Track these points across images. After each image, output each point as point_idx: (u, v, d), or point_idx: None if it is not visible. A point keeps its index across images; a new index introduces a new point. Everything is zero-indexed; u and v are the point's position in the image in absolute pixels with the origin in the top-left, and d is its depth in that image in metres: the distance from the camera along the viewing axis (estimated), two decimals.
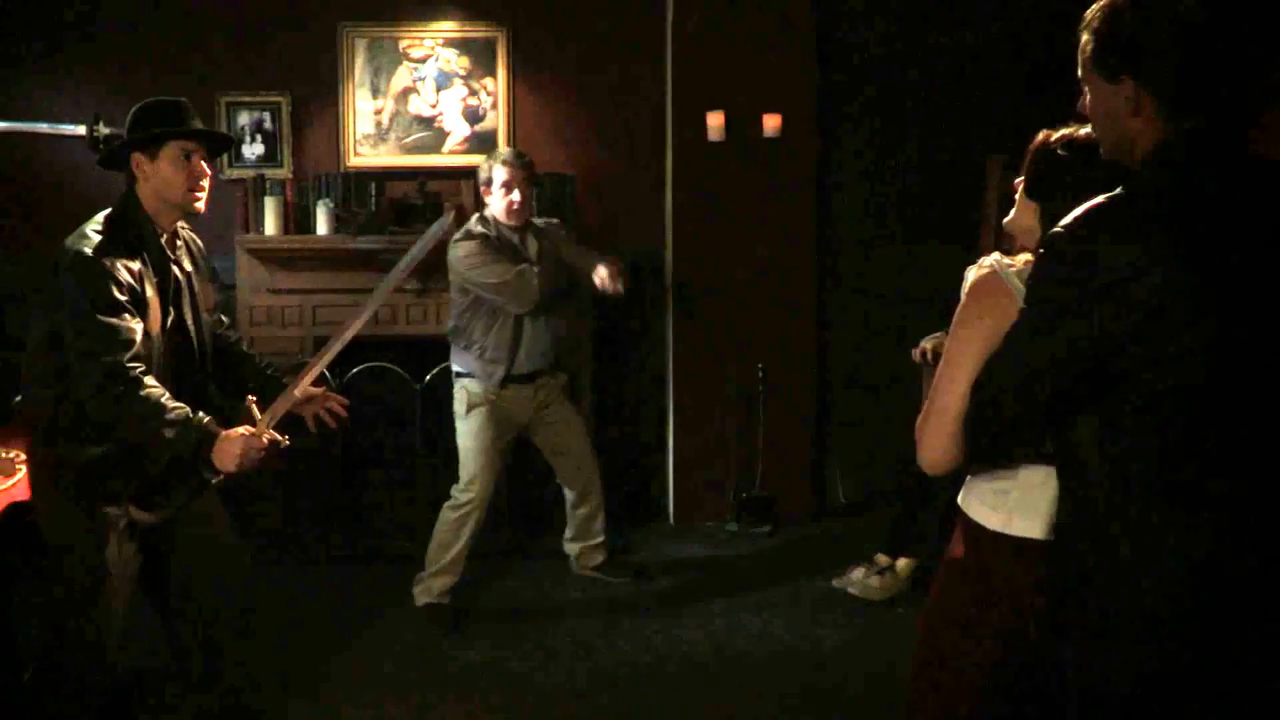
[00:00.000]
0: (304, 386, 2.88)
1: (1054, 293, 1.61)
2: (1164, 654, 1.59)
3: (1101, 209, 1.60)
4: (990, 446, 1.86)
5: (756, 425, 5.44)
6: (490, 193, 4.21)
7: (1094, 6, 1.70)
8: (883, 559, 4.48)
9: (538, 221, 4.44)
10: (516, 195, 4.16)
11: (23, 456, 3.08)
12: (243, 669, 2.86)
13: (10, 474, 3.26)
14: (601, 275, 4.18)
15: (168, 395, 2.58)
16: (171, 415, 2.55)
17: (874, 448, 5.65)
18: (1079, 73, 1.73)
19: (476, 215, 4.29)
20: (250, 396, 2.80)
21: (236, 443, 2.61)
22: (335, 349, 2.84)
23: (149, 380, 2.57)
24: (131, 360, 2.55)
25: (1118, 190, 1.62)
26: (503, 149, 4.39)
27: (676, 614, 4.27)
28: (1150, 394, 1.58)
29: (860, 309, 5.73)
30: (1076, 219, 1.60)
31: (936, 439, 1.83)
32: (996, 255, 1.92)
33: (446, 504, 4.25)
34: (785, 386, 5.47)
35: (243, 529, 4.77)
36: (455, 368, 4.32)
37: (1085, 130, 1.86)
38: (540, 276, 4.11)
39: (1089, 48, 1.69)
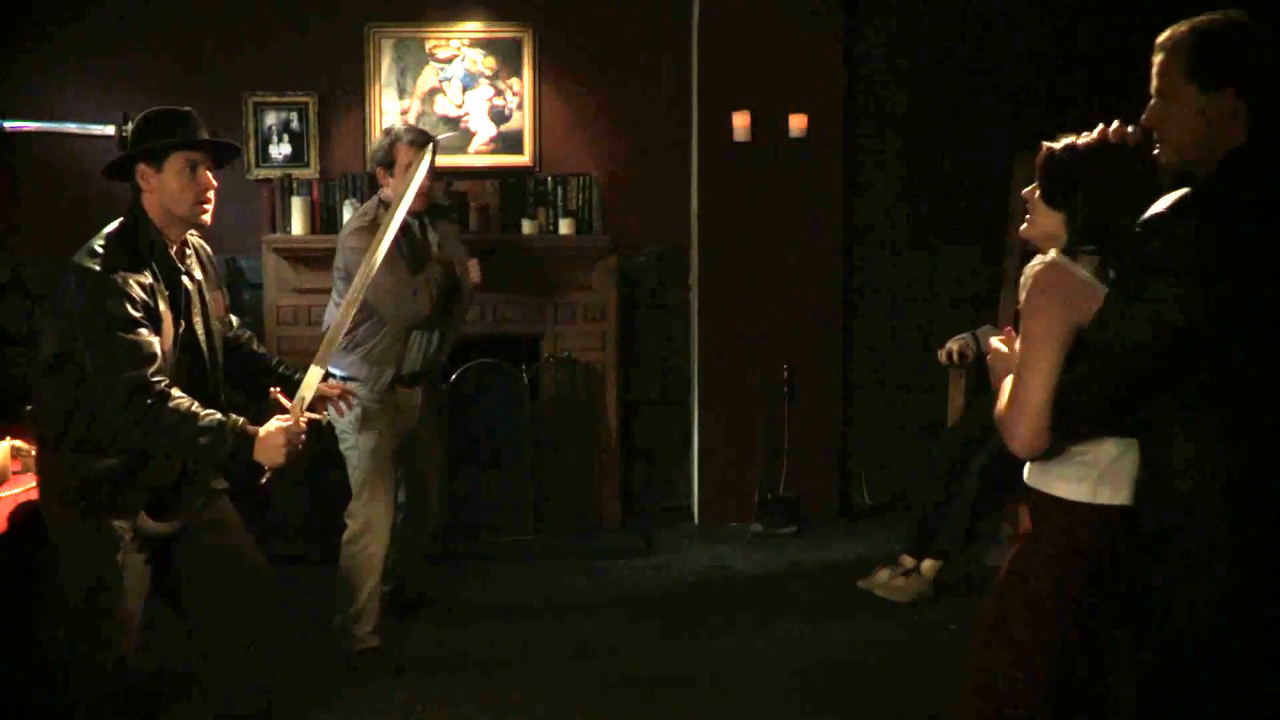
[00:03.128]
0: (324, 356, 2.89)
1: (1144, 275, 1.77)
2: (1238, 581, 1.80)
3: (1190, 199, 1.78)
4: (1083, 425, 1.97)
5: (782, 426, 5.43)
6: (390, 175, 3.81)
7: (1175, 28, 1.89)
8: (908, 560, 4.46)
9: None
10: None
11: None
12: (264, 673, 2.85)
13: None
14: (474, 273, 4.03)
15: (196, 404, 2.56)
16: (205, 422, 2.55)
17: (899, 449, 5.64)
18: (1154, 85, 1.90)
19: (375, 199, 3.90)
20: (273, 389, 2.79)
21: (278, 435, 2.62)
22: (350, 313, 2.88)
23: (175, 391, 2.55)
24: (155, 374, 2.54)
25: (1202, 183, 1.81)
26: (402, 126, 3.95)
27: (700, 615, 4.26)
28: (1232, 370, 1.74)
29: (886, 309, 5.71)
30: (1167, 208, 1.78)
31: (1026, 426, 1.96)
32: (1053, 251, 2.04)
33: (345, 536, 3.77)
34: (811, 387, 5.46)
35: (268, 528, 4.83)
36: (336, 371, 3.64)
37: (1084, 139, 2.04)
38: (436, 287, 3.79)
39: (1180, 62, 1.86)
